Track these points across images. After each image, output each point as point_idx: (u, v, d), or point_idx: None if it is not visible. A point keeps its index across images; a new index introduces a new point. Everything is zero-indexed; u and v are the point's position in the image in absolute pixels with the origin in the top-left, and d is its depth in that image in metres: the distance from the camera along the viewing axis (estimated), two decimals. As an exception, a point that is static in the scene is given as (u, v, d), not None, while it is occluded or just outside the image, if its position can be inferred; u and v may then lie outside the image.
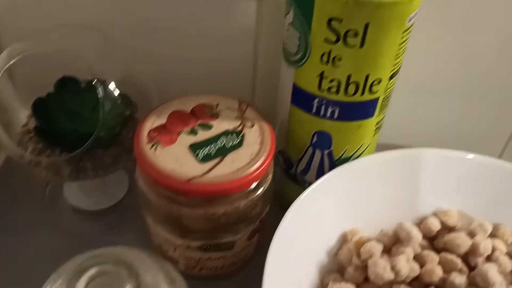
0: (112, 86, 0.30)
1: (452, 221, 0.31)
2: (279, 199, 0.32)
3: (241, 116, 0.29)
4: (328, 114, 0.28)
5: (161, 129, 0.28)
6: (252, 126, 0.29)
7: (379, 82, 0.27)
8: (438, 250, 0.30)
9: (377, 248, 0.28)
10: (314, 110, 0.29)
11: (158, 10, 0.33)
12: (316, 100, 0.28)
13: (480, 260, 0.29)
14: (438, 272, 0.28)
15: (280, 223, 0.27)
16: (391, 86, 0.28)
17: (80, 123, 0.31)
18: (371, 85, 0.27)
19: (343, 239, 0.30)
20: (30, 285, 0.27)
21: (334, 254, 0.30)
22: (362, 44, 0.25)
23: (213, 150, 0.27)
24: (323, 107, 0.28)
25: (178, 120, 0.29)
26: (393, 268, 0.27)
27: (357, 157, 0.31)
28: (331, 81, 0.27)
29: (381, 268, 0.27)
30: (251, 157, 0.27)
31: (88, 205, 0.36)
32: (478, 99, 0.37)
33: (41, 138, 0.31)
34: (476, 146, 0.33)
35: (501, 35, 0.33)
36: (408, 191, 0.32)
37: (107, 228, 0.35)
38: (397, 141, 0.37)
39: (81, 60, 0.29)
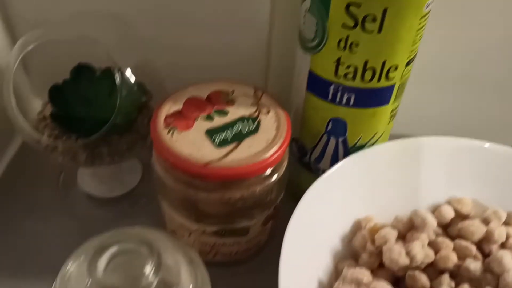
0: (128, 73, 0.30)
1: (466, 209, 0.31)
2: (292, 188, 0.32)
3: (257, 102, 0.29)
4: (344, 100, 0.28)
5: (177, 115, 0.28)
6: (268, 112, 0.29)
7: (396, 69, 0.27)
8: (452, 238, 0.30)
9: (392, 234, 0.29)
10: (330, 97, 0.29)
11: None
12: (332, 87, 0.28)
13: (494, 247, 0.29)
14: (453, 258, 0.28)
15: (295, 209, 0.27)
16: (407, 73, 0.28)
17: (96, 110, 0.32)
18: (388, 72, 0.27)
19: (357, 226, 0.30)
20: (45, 269, 0.27)
21: (348, 241, 0.30)
22: (380, 29, 0.25)
23: (229, 135, 0.27)
24: (339, 94, 0.28)
25: (194, 106, 0.29)
26: (408, 253, 0.27)
27: (372, 145, 0.31)
28: (348, 67, 0.27)
29: (396, 253, 0.27)
30: (267, 142, 0.27)
31: (102, 192, 0.37)
32: (494, 88, 0.37)
33: (58, 124, 0.31)
34: (490, 135, 0.32)
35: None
36: (422, 179, 0.32)
37: (121, 215, 0.36)
38: (411, 131, 0.37)
39: (98, 47, 0.29)
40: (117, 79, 0.29)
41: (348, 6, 0.25)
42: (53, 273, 0.22)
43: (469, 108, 0.38)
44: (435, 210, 0.31)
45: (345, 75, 0.27)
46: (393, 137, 0.33)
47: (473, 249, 0.29)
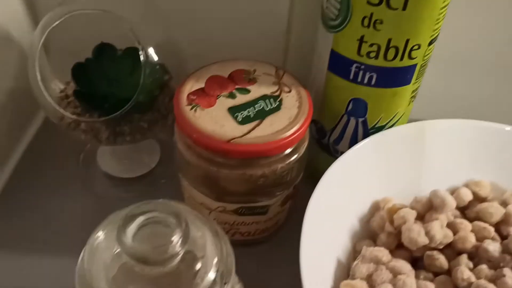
0: (151, 51, 0.30)
1: (484, 191, 0.31)
2: (311, 171, 0.32)
3: (278, 81, 0.30)
4: (366, 80, 0.28)
5: (200, 92, 0.29)
6: (290, 91, 0.29)
7: (419, 48, 0.27)
8: (470, 220, 0.30)
9: (411, 214, 0.29)
10: (351, 76, 0.29)
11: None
12: (354, 66, 0.28)
13: (512, 229, 0.29)
14: (472, 239, 0.28)
15: (315, 189, 0.27)
16: (429, 52, 0.28)
17: (118, 88, 0.32)
18: (411, 50, 0.27)
19: (375, 207, 0.31)
20: (64, 246, 0.28)
21: (366, 221, 0.30)
22: (404, 6, 0.25)
23: (252, 113, 0.27)
24: (360, 73, 0.28)
25: (217, 84, 0.29)
26: (427, 233, 0.28)
27: (391, 126, 0.31)
28: (371, 45, 0.27)
29: (415, 232, 0.27)
30: (289, 120, 0.27)
31: (121, 172, 0.37)
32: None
33: (81, 101, 0.32)
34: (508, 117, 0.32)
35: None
36: (441, 162, 0.32)
37: (140, 194, 0.36)
38: (430, 115, 0.37)
39: (122, 23, 0.29)
40: (141, 56, 0.29)
41: (373, -17, 0.25)
42: (74, 250, 0.22)
43: (489, 91, 0.38)
44: (453, 192, 0.31)
45: (368, 53, 0.27)
46: (412, 121, 0.33)
47: (492, 230, 0.29)
